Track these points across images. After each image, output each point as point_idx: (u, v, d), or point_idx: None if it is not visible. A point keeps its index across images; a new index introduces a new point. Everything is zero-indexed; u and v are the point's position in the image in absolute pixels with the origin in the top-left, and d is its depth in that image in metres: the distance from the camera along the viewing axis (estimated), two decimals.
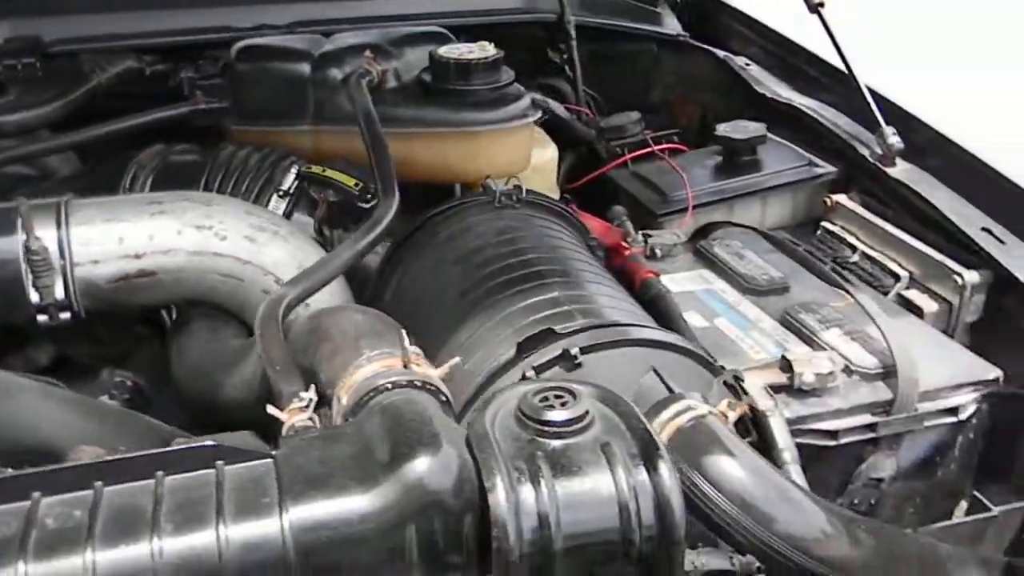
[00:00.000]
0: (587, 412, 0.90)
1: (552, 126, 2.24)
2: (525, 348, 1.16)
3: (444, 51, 1.72)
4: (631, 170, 2.10)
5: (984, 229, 1.67)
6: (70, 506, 0.83)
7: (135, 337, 1.58)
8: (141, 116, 1.80)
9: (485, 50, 1.72)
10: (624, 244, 1.74)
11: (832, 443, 1.35)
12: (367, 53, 1.73)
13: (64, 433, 1.07)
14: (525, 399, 0.91)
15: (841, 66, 2.00)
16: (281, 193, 1.63)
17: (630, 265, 1.70)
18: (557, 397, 0.91)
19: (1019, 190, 1.68)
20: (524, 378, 1.11)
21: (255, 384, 1.24)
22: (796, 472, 1.27)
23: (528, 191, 1.62)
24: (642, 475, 0.85)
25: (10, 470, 0.95)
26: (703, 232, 1.88)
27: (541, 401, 0.90)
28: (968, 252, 1.67)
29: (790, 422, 1.34)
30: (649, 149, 2.09)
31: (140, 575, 0.78)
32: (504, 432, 0.89)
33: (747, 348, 1.49)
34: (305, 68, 1.77)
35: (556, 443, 0.88)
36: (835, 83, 2.10)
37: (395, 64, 1.80)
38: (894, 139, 1.87)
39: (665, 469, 0.85)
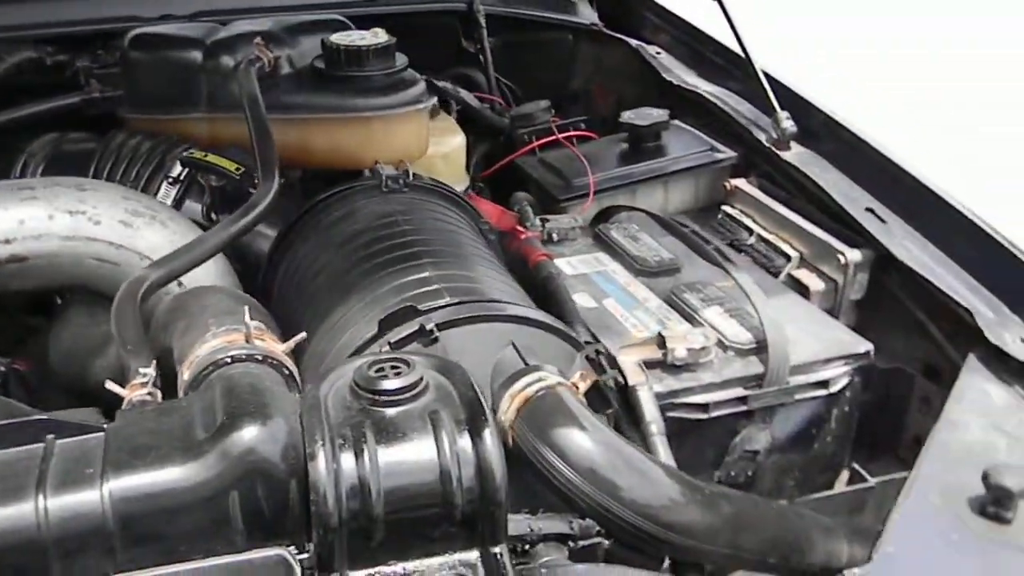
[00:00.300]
0: (420, 380, 0.91)
1: (465, 115, 2.26)
2: (386, 326, 1.18)
3: (337, 38, 1.73)
4: (538, 157, 2.12)
5: (868, 209, 1.71)
6: None
7: (24, 327, 1.57)
8: (34, 106, 1.79)
9: (377, 36, 1.73)
10: (520, 228, 1.76)
11: (704, 416, 1.38)
12: (257, 40, 1.73)
13: None
14: (360, 370, 0.92)
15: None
16: (171, 180, 1.63)
17: (525, 248, 1.73)
18: (393, 368, 0.93)
19: (903, 171, 1.73)
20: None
21: (120, 368, 1.24)
22: (662, 443, 1.30)
23: (416, 175, 1.63)
24: (465, 441, 0.87)
25: None
26: (604, 216, 1.91)
27: (376, 372, 0.92)
28: (853, 232, 1.71)
29: (662, 396, 1.37)
30: (554, 137, 2.10)
31: None
32: (337, 402, 0.91)
33: (630, 327, 1.52)
34: (197, 56, 1.77)
35: (388, 411, 0.90)
36: (737, 69, 2.14)
37: (289, 51, 1.80)
38: (788, 123, 1.91)
39: (488, 435, 0.88)
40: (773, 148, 1.92)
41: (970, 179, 2.26)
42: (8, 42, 1.92)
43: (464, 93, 2.23)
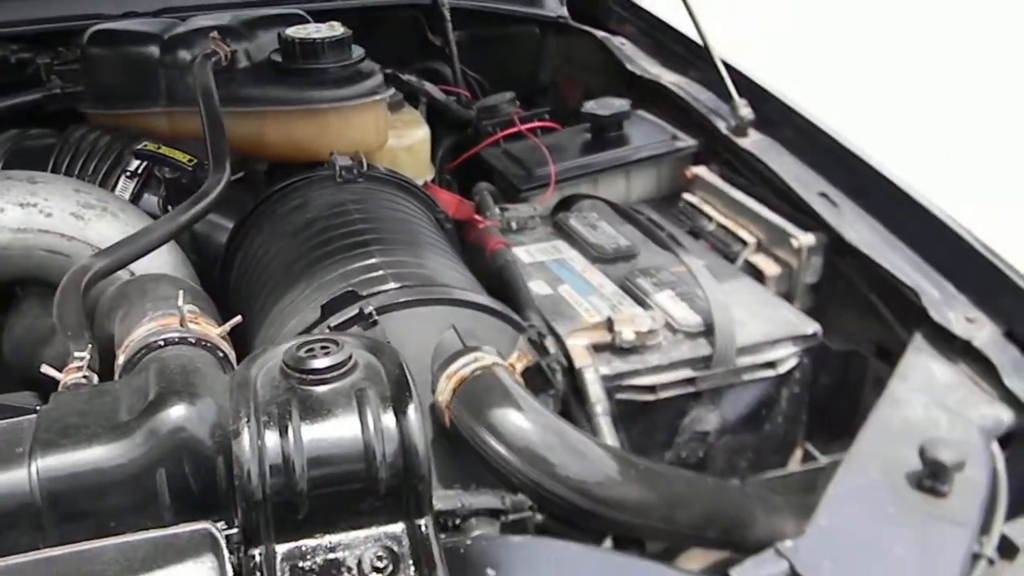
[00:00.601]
0: (349, 359, 0.93)
1: (432, 109, 2.28)
2: (328, 311, 1.19)
3: (293, 31, 1.74)
4: (502, 148, 2.14)
5: (821, 194, 1.73)
6: None
7: None
8: None
9: (333, 29, 1.75)
10: (477, 218, 1.78)
11: (652, 398, 1.40)
12: (213, 34, 1.75)
13: None
14: (290, 351, 0.94)
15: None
16: (128, 174, 1.64)
17: (483, 237, 1.74)
18: (323, 348, 0.95)
19: (854, 156, 1.75)
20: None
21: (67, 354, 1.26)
22: (606, 424, 1.32)
23: (371, 166, 1.65)
24: (389, 417, 0.89)
25: None
26: (564, 205, 1.92)
27: (306, 352, 0.94)
28: (807, 216, 1.72)
29: (610, 378, 1.38)
30: (517, 128, 2.12)
31: None
32: (266, 381, 0.92)
33: (583, 312, 1.54)
34: (154, 50, 1.78)
35: (315, 389, 0.91)
36: (699, 59, 2.16)
37: (247, 45, 1.82)
38: (746, 111, 1.93)
39: (412, 411, 0.89)
40: (732, 135, 1.94)
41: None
42: None
43: (429, 86, 2.24)
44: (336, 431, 0.88)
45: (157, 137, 1.75)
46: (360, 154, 1.64)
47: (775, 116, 1.95)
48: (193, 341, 0.99)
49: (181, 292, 1.05)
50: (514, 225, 1.81)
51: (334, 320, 1.17)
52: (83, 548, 0.82)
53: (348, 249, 1.38)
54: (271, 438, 0.86)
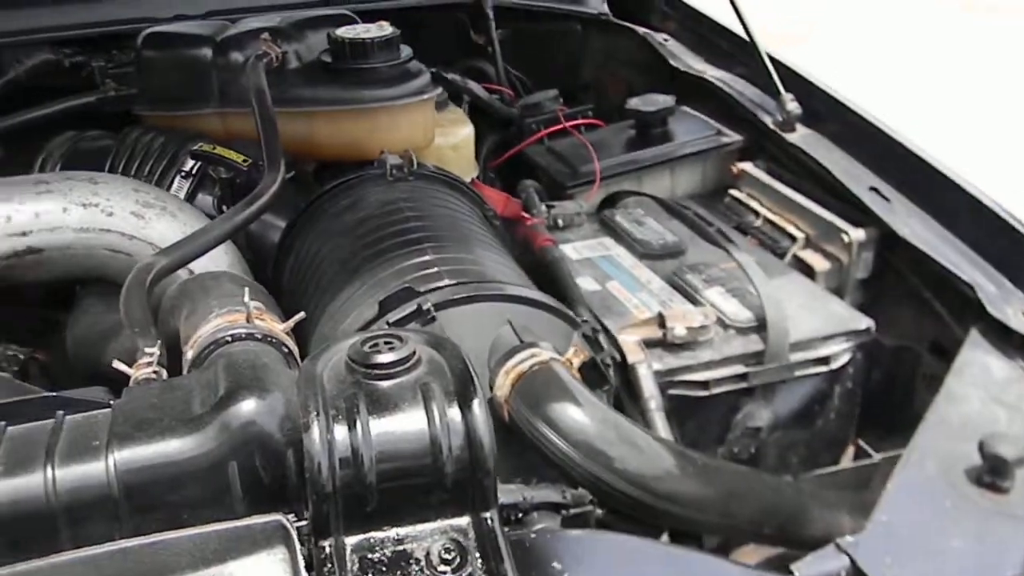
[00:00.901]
0: (413, 355, 0.94)
1: (476, 107, 2.30)
2: (386, 307, 1.21)
3: (342, 31, 1.76)
4: (546, 146, 2.15)
5: (872, 188, 1.71)
6: None
7: (43, 319, 1.63)
8: (51, 105, 1.85)
9: (382, 29, 1.77)
10: (525, 215, 1.79)
11: (705, 393, 1.40)
12: (264, 35, 1.77)
13: None
14: (355, 346, 0.95)
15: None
16: (183, 174, 1.67)
17: (530, 234, 1.75)
18: (387, 343, 0.96)
19: (906, 150, 1.73)
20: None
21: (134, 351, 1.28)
22: (660, 419, 1.32)
23: (421, 164, 1.67)
24: (455, 411, 0.90)
25: None
26: (609, 202, 1.93)
27: (371, 347, 0.95)
28: (858, 211, 1.71)
29: (662, 374, 1.39)
30: (561, 125, 2.13)
31: None
32: (332, 376, 0.94)
33: (632, 308, 1.54)
34: (207, 53, 1.81)
35: (381, 384, 0.93)
36: (744, 54, 2.15)
37: (297, 46, 1.84)
38: (792, 105, 1.92)
39: (477, 406, 0.90)
40: (778, 130, 1.93)
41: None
42: (27, 45, 1.99)
43: (472, 85, 2.25)
44: (403, 425, 0.89)
45: (210, 138, 1.78)
46: (410, 152, 1.65)
47: (822, 111, 1.93)
48: (260, 337, 1.01)
49: (246, 289, 1.07)
50: (560, 222, 1.82)
51: (392, 316, 1.18)
52: (157, 539, 0.84)
53: (402, 247, 1.39)
54: (340, 432, 0.88)
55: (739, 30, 2.07)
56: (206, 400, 0.92)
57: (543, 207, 1.84)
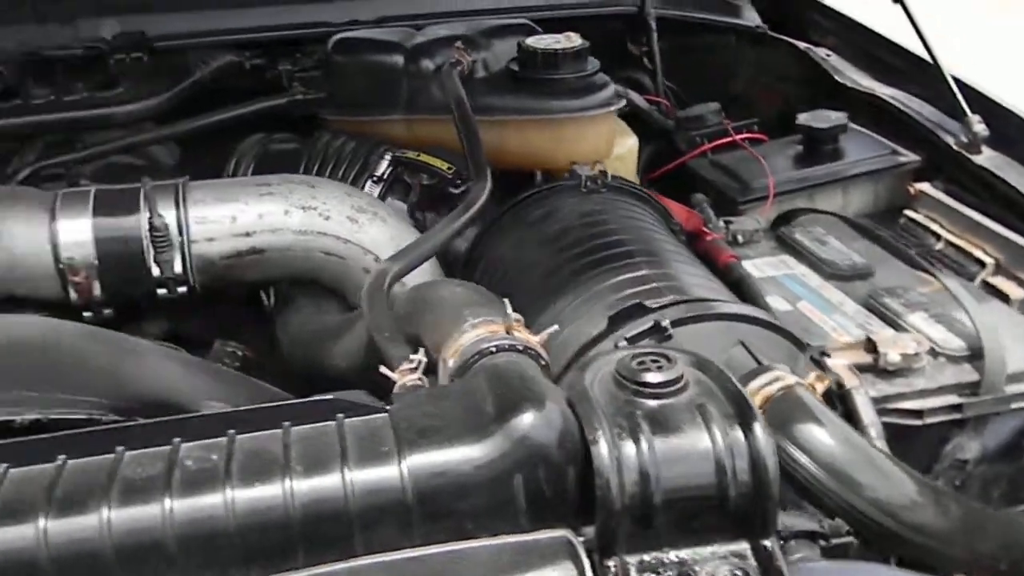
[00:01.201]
0: (682, 375, 0.94)
1: (632, 117, 2.29)
2: (616, 322, 1.21)
3: (532, 41, 1.78)
4: (710, 159, 2.13)
5: None
6: (207, 450, 0.90)
7: (239, 316, 1.67)
8: (244, 106, 1.90)
9: (572, 40, 1.77)
10: (705, 230, 1.78)
11: (918, 423, 1.37)
12: (458, 44, 1.79)
13: (187, 390, 1.15)
14: (623, 362, 0.95)
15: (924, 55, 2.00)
16: (375, 179, 1.70)
17: (713, 250, 1.74)
18: (653, 361, 0.96)
19: None
20: (616, 348, 1.16)
21: (358, 354, 1.31)
22: (883, 447, 1.29)
23: (613, 176, 1.67)
24: (737, 434, 0.89)
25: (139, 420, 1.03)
26: (784, 219, 1.90)
27: (638, 365, 0.95)
28: None
29: (875, 401, 1.36)
30: (731, 138, 2.11)
31: (274, 512, 0.85)
32: (603, 392, 0.94)
33: (830, 330, 1.51)
34: (399, 60, 1.84)
35: (653, 403, 0.92)
36: (917, 72, 2.10)
37: (484, 55, 1.86)
38: (980, 127, 1.87)
39: (759, 429, 0.89)
40: (963, 152, 1.88)
41: None
42: (212, 47, 2.05)
43: (633, 95, 2.25)
44: (687, 445, 0.89)
45: (394, 143, 1.81)
46: (603, 164, 1.65)
47: (1012, 133, 1.88)
48: (521, 349, 1.02)
49: (506, 300, 1.08)
50: (740, 238, 1.80)
51: (625, 332, 1.18)
52: (454, 549, 0.85)
53: (611, 260, 1.39)
54: (627, 449, 0.87)
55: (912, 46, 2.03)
56: (480, 410, 0.93)
57: (721, 222, 1.82)
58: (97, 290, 1.39)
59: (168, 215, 1.39)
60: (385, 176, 1.71)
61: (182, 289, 1.41)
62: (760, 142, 2.18)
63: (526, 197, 1.64)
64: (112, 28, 2.02)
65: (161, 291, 1.41)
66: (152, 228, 1.36)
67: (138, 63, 1.92)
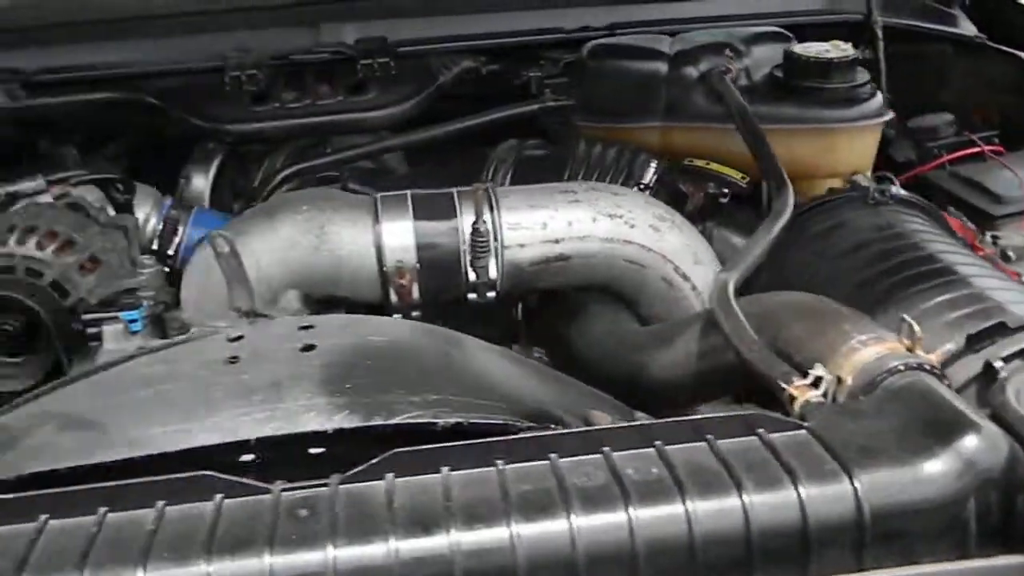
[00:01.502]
0: None
1: None
2: (975, 341, 1.17)
3: (800, 49, 1.75)
4: (949, 171, 2.07)
5: None
6: (644, 462, 0.90)
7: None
8: (497, 112, 1.91)
9: (843, 49, 1.74)
10: (979, 245, 1.72)
11: None
12: (727, 52, 1.77)
13: (549, 398, 1.15)
14: None
15: None
16: (641, 187, 1.69)
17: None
18: None
19: None
20: (989, 367, 1.11)
21: (686, 364, 1.29)
22: None
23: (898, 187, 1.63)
24: None
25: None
26: None
27: None
28: None
29: None
30: (978, 149, 2.04)
31: (733, 527, 0.84)
32: None
33: None
34: (661, 67, 1.83)
35: None
36: None
37: (745, 62, 1.84)
38: None
39: None
40: None
41: None
42: (450, 53, 2.07)
43: None
44: None
45: (647, 151, 1.79)
46: (890, 175, 1.62)
47: None
48: (927, 368, 0.99)
49: (905, 316, 1.06)
50: (1012, 255, 1.74)
51: (996, 351, 1.14)
52: (922, 571, 0.83)
53: (931, 276, 1.35)
54: None
55: None
56: (913, 431, 0.91)
57: (988, 236, 1.76)
58: (416, 293, 1.40)
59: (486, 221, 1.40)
60: (651, 184, 1.70)
61: (491, 294, 1.42)
62: (998, 155, 2.11)
63: (808, 208, 1.61)
64: (353, 33, 2.06)
65: (472, 296, 1.42)
66: (475, 233, 1.38)
67: (385, 68, 1.94)
